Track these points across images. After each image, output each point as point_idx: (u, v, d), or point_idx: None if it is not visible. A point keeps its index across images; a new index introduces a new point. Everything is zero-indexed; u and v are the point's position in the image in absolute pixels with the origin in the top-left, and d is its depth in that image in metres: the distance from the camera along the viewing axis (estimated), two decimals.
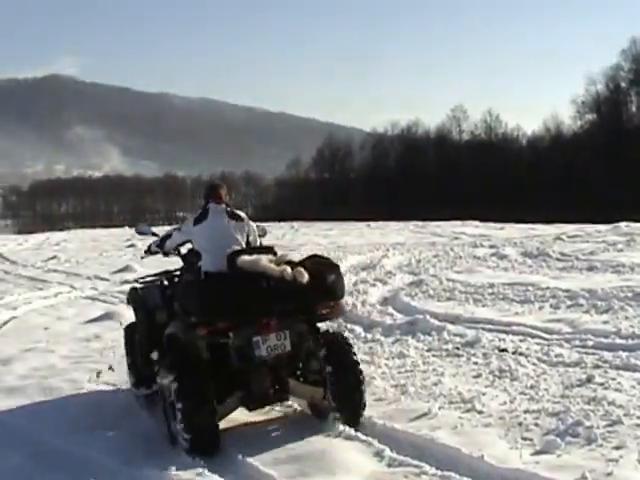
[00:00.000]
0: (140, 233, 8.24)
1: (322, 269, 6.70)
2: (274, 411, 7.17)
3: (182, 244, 7.47)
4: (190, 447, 6.11)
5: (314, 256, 7.18)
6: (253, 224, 7.38)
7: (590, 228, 25.80)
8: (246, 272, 6.45)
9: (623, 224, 25.82)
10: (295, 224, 43.17)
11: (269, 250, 6.93)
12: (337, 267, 6.90)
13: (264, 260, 6.54)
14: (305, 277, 6.42)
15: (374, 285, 14.73)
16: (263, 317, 6.36)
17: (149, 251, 7.89)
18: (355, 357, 6.82)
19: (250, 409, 6.72)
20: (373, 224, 38.31)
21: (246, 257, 6.58)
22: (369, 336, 10.33)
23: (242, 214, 7.26)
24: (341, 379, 6.58)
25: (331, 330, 7.38)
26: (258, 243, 7.38)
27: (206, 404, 6.17)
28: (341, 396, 6.56)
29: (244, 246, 7.03)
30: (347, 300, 12.68)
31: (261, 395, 6.63)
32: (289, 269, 6.44)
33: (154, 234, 7.92)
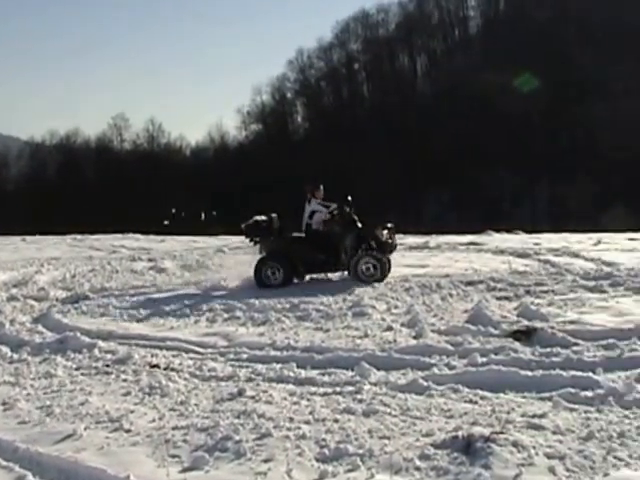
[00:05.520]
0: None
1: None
2: None
3: None
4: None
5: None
6: (307, 207, 15.72)
7: None
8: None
9: None
10: None
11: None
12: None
13: (256, 217, 15.99)
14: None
15: (25, 302, 14.58)
16: None
17: None
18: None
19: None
20: (29, 238, 36.91)
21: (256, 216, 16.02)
22: (15, 356, 10.25)
23: (309, 202, 15.74)
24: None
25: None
26: (306, 215, 15.72)
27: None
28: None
29: (306, 216, 15.72)
30: None
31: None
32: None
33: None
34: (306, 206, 15.85)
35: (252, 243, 16.07)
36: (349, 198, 15.58)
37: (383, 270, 14.93)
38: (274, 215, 15.88)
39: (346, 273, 15.35)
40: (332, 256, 15.28)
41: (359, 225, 15.41)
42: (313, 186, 15.98)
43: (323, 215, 15.62)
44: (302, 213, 15.90)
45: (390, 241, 15.67)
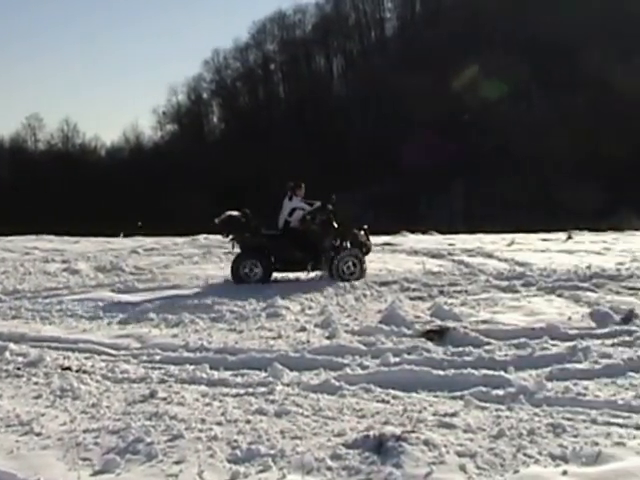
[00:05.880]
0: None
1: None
2: None
3: None
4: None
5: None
6: (288, 204, 15.75)
7: (167, 241, 26.58)
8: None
9: (202, 237, 26.97)
10: None
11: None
12: None
13: (229, 212, 15.64)
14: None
15: None
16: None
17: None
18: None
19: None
20: None
21: (228, 212, 15.75)
22: None
23: (290, 199, 15.76)
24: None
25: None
26: (286, 213, 15.73)
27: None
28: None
29: (285, 214, 15.70)
30: None
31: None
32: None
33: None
34: (285, 203, 15.94)
35: (227, 239, 16.07)
36: (333, 197, 15.81)
37: (362, 269, 15.15)
38: (248, 211, 15.84)
39: (314, 273, 15.71)
40: (310, 254, 15.45)
41: (335, 225, 15.59)
42: (295, 184, 16.07)
43: (302, 213, 15.72)
44: (280, 210, 15.99)
45: (368, 242, 15.98)
